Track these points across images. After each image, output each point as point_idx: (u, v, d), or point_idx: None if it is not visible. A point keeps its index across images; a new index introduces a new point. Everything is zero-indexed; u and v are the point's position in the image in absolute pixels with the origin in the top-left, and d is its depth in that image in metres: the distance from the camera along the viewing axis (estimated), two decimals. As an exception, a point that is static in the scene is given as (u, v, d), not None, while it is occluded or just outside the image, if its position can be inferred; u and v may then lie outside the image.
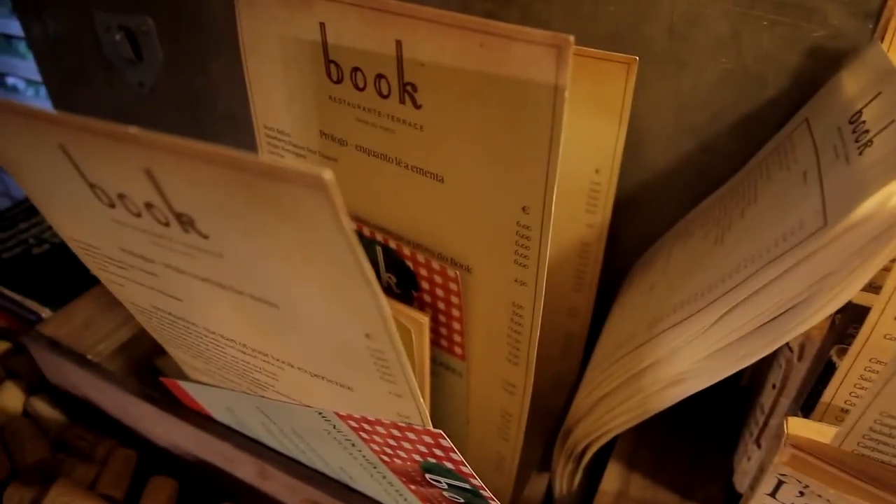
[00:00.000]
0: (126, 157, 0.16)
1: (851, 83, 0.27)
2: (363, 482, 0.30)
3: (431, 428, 0.22)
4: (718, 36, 0.29)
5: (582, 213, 0.34)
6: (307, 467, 0.32)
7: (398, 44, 0.22)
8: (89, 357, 0.38)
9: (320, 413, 0.26)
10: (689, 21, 0.29)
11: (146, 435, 0.38)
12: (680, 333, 0.26)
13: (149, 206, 0.18)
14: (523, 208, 0.23)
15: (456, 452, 0.22)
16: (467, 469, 0.23)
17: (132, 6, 0.43)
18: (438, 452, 0.23)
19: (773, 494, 0.25)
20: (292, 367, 0.24)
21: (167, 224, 0.18)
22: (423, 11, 0.21)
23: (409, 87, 0.23)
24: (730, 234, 0.29)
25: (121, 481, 0.37)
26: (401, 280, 0.28)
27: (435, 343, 0.29)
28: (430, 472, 0.25)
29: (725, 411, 0.36)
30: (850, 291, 0.22)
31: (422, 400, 0.22)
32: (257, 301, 0.20)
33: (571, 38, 0.19)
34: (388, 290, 0.29)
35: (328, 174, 0.14)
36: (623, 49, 0.29)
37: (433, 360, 0.30)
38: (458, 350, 0.29)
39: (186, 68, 0.41)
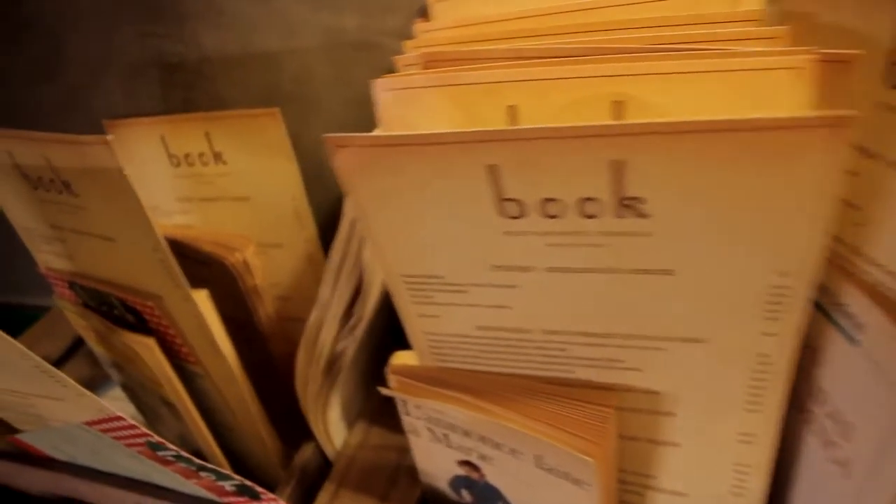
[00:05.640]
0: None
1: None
2: (153, 476, 0.38)
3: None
4: (329, 77, 0.38)
5: (299, 232, 0.43)
6: (124, 477, 0.40)
7: (46, 158, 0.30)
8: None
9: (81, 427, 0.34)
10: (306, 73, 0.38)
11: (23, 489, 0.46)
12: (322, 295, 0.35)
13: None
14: (153, 248, 0.31)
15: (129, 422, 0.31)
16: (158, 438, 0.31)
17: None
18: (137, 431, 0.31)
19: (406, 413, 0.33)
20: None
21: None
22: (50, 136, 0.28)
23: (65, 184, 0.32)
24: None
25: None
26: (137, 317, 0.37)
27: (178, 357, 0.38)
28: (157, 449, 0.33)
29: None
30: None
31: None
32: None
33: (110, 138, 0.28)
34: (134, 326, 0.38)
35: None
36: (277, 102, 0.38)
37: (184, 370, 0.38)
38: (190, 358, 0.37)
39: None
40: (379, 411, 0.41)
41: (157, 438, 0.32)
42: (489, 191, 0.22)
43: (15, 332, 0.27)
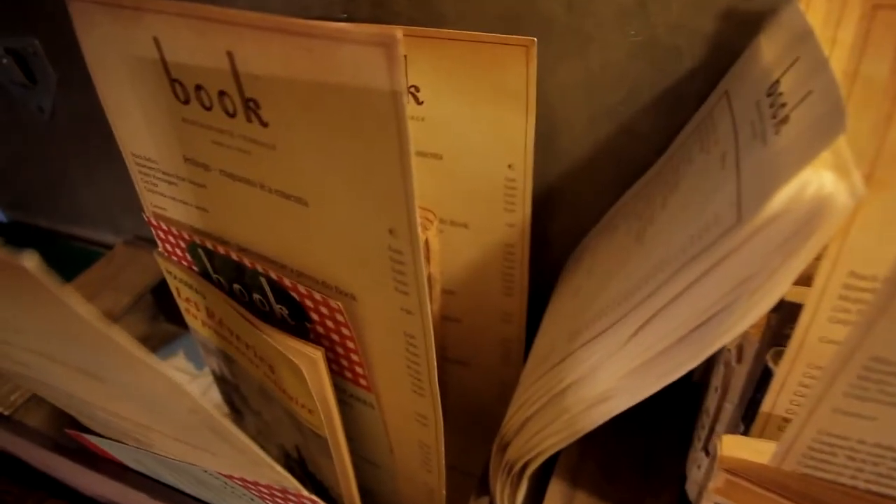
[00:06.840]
0: None
1: (769, 49, 0.23)
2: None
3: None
4: (622, 6, 0.25)
5: (501, 213, 0.31)
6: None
7: (230, 55, 0.19)
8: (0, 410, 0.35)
9: (206, 471, 0.23)
10: (589, -6, 0.26)
11: (72, 485, 0.36)
12: (598, 349, 0.23)
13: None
14: (390, 230, 0.20)
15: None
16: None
17: (14, 29, 0.40)
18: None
19: (709, 519, 0.22)
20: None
21: None
22: (247, 17, 0.18)
23: (251, 104, 0.20)
24: (650, 228, 0.26)
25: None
26: (292, 311, 0.25)
27: (340, 374, 0.27)
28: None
29: (678, 409, 0.33)
30: (774, 294, 0.19)
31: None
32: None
33: (399, 34, 0.16)
34: (282, 323, 0.26)
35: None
36: (520, 29, 0.26)
37: (343, 391, 0.27)
38: (362, 381, 0.26)
39: (83, 87, 0.39)
40: (578, 470, 0.31)
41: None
42: None
43: (66, 272, 0.17)
